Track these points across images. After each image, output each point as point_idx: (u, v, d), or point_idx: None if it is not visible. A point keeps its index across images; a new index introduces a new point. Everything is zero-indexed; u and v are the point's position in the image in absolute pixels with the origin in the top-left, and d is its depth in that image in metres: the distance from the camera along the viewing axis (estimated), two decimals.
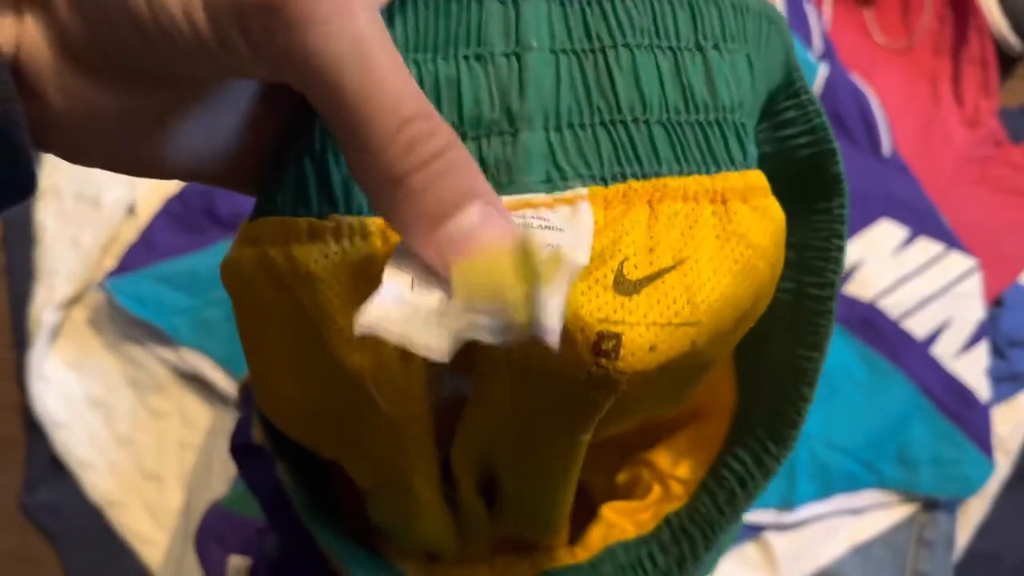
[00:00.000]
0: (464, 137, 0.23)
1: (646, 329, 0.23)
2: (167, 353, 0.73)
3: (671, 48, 0.25)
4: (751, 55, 0.26)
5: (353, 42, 0.18)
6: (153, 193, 0.76)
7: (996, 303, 0.73)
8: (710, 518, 0.31)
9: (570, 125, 0.24)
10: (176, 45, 0.18)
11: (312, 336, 0.23)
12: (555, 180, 0.24)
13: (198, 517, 0.65)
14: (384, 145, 0.19)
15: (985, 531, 0.69)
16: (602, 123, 0.24)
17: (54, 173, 0.78)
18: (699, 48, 0.25)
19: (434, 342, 0.19)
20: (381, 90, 0.18)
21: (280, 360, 0.25)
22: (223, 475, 0.70)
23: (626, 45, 0.24)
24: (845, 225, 0.29)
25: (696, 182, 0.24)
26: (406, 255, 0.20)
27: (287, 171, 0.23)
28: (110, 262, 0.75)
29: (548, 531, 0.32)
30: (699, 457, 0.33)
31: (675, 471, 0.33)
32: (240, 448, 0.40)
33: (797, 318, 0.30)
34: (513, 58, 0.23)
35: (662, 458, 0.33)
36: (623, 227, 0.23)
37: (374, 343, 0.22)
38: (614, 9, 0.24)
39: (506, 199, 0.23)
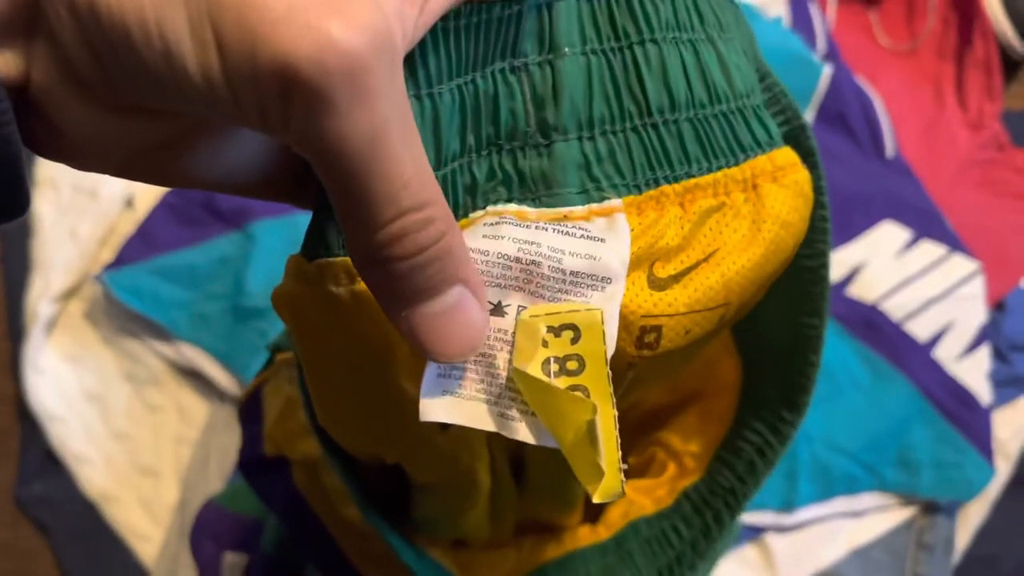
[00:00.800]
0: (501, 149, 0.24)
1: (684, 317, 0.24)
2: (164, 347, 0.73)
3: (690, 41, 0.25)
4: (741, 42, 0.27)
5: (367, 133, 0.18)
6: (151, 186, 0.75)
7: (998, 307, 0.73)
8: (731, 488, 0.33)
9: (603, 132, 0.24)
10: (189, 96, 0.18)
11: (376, 363, 0.24)
12: (590, 191, 0.24)
13: (193, 512, 0.65)
14: (375, 229, 0.19)
15: (984, 535, 0.69)
16: (633, 128, 0.24)
17: (51, 164, 0.77)
18: (710, 39, 0.25)
19: (483, 424, 0.22)
20: (386, 180, 0.18)
21: (342, 384, 0.26)
22: (219, 471, 0.70)
23: (653, 40, 0.24)
24: (826, 196, 0.30)
25: (725, 175, 0.25)
26: None
27: None
28: (107, 255, 0.75)
29: (568, 507, 0.33)
30: (709, 433, 0.34)
31: (688, 447, 0.34)
32: (251, 464, 0.39)
33: (794, 289, 0.30)
34: (547, 66, 0.24)
35: (674, 437, 0.35)
36: (658, 231, 0.24)
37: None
38: (641, 1, 0.24)
39: (544, 212, 0.24)
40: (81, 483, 0.72)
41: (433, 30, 0.22)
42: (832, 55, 0.78)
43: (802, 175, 0.26)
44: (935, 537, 0.67)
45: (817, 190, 0.30)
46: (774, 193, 0.25)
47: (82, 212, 0.76)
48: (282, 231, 0.72)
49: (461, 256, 0.20)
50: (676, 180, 0.24)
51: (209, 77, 0.18)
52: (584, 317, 0.22)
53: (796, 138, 0.29)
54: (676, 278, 0.24)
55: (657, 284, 0.24)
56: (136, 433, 0.73)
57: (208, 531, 0.52)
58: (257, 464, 0.39)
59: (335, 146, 0.18)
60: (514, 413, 0.22)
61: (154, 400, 0.73)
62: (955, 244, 0.72)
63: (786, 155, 0.26)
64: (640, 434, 0.35)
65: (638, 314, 0.23)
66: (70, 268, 0.75)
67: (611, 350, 0.22)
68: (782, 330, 0.31)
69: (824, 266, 0.30)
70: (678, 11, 0.25)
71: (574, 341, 0.22)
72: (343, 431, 0.28)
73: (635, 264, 0.23)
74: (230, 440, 0.71)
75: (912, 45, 0.84)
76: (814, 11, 0.80)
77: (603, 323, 0.22)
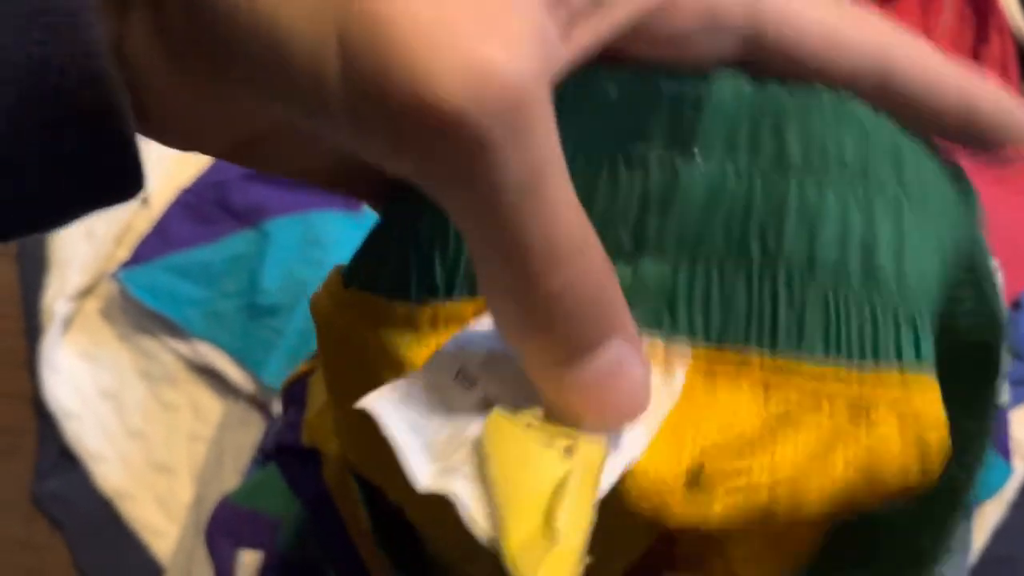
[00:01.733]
0: None
1: (715, 512, 0.19)
2: (179, 345, 0.73)
3: (866, 196, 0.19)
4: (950, 230, 0.21)
5: (523, 179, 0.15)
6: (167, 184, 0.76)
7: (1014, 306, 0.73)
8: None
9: (707, 264, 0.19)
10: (294, 101, 0.15)
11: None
12: (665, 325, 0.19)
13: (208, 510, 0.65)
14: (529, 287, 0.16)
15: (1001, 535, 0.68)
16: (748, 273, 0.19)
17: None
18: (897, 202, 0.19)
19: (416, 473, 0.17)
20: (541, 229, 0.15)
21: (348, 406, 0.24)
22: (234, 468, 0.70)
23: (819, 182, 0.19)
24: (995, 408, 0.24)
25: (838, 377, 0.19)
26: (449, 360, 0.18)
27: (388, 249, 0.21)
28: (123, 253, 0.75)
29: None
30: (778, 560, 0.26)
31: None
32: (284, 451, 0.39)
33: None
34: (669, 166, 0.19)
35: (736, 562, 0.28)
36: (717, 409, 0.19)
37: None
38: (823, 121, 0.19)
39: None
40: (96, 480, 0.73)
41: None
42: None
43: (935, 418, 0.19)
44: (952, 536, 0.66)
45: (991, 404, 0.24)
46: (889, 428, 0.19)
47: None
48: (296, 228, 0.72)
49: (619, 304, 0.17)
50: (774, 354, 0.19)
51: (321, 86, 0.14)
52: (584, 448, 0.17)
53: (988, 347, 0.24)
54: (718, 480, 0.18)
55: (693, 482, 0.18)
56: (151, 431, 0.73)
57: (224, 528, 0.52)
58: (290, 452, 0.39)
59: (484, 195, 0.15)
60: (459, 468, 0.17)
61: (169, 398, 0.74)
62: None
63: (924, 387, 0.20)
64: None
65: (665, 511, 0.18)
66: (86, 267, 0.75)
67: (600, 495, 0.17)
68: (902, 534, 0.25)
69: (968, 488, 0.24)
70: (871, 156, 0.19)
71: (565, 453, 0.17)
72: (356, 453, 0.27)
73: (672, 438, 0.18)
74: (244, 437, 0.71)
75: (928, 41, 0.83)
76: None
77: (601, 467, 0.17)
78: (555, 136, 0.15)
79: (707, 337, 0.19)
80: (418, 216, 0.21)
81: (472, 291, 0.20)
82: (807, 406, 0.19)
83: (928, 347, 0.20)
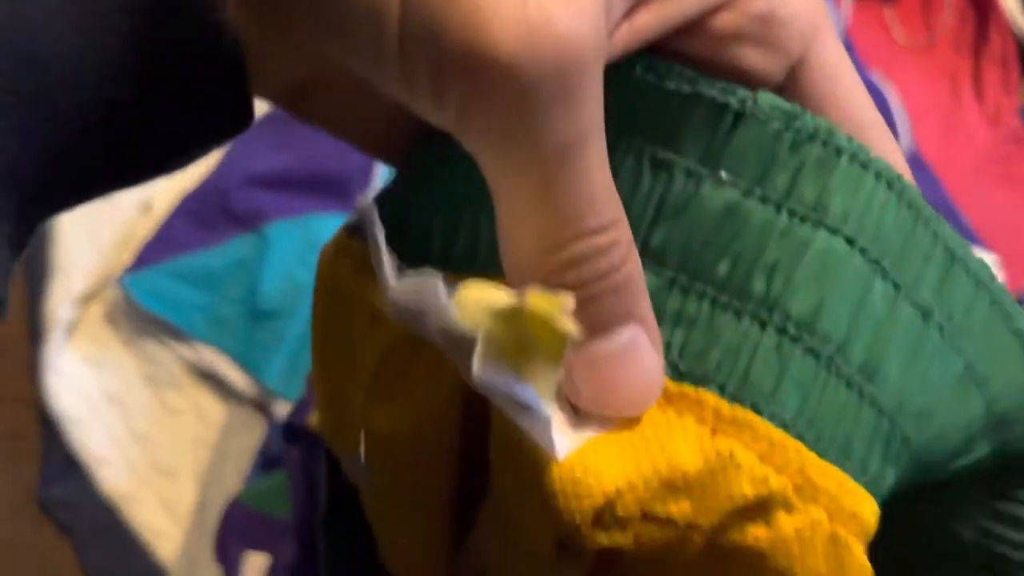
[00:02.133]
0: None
1: (627, 542, 0.17)
2: (183, 349, 0.73)
3: (896, 288, 0.18)
4: (978, 367, 0.19)
5: (565, 141, 0.15)
6: (169, 190, 0.76)
7: (1016, 302, 0.73)
8: None
9: (701, 295, 0.18)
10: (351, 44, 0.15)
11: (350, 362, 0.21)
12: None
13: (212, 513, 0.65)
14: (549, 250, 0.16)
15: None
16: (740, 310, 0.17)
17: None
18: (926, 311, 0.18)
19: (389, 270, 0.16)
20: (572, 195, 0.15)
21: (320, 359, 0.23)
22: (237, 471, 0.71)
23: (852, 240, 0.17)
24: None
25: (796, 451, 0.17)
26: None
27: (388, 209, 0.20)
28: (127, 258, 0.75)
29: None
30: None
31: None
32: (288, 431, 0.39)
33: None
34: (693, 180, 0.17)
35: None
36: (658, 438, 0.17)
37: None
38: (875, 190, 0.18)
39: None
40: (101, 484, 0.73)
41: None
42: (847, 52, 0.78)
43: (867, 527, 0.18)
44: None
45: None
46: (816, 531, 0.17)
47: (101, 216, 0.77)
48: (296, 232, 0.72)
49: (639, 289, 0.17)
50: (733, 401, 0.17)
51: (377, 21, 0.14)
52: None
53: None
54: (637, 517, 0.17)
55: (603, 523, 0.17)
56: (155, 435, 0.74)
57: (234, 530, 0.52)
58: (293, 432, 0.38)
59: (521, 152, 0.15)
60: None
61: (173, 402, 0.74)
62: (972, 239, 0.72)
63: (860, 505, 0.18)
64: None
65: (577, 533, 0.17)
66: (90, 272, 0.76)
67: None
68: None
69: None
70: (914, 251, 0.18)
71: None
72: (323, 419, 0.25)
73: (605, 461, 0.17)
74: (247, 441, 0.71)
75: (928, 40, 0.83)
76: (829, 7, 0.80)
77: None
78: (601, 106, 0.15)
79: (674, 369, 0.18)
80: (425, 182, 0.21)
81: (463, 269, 0.20)
82: (755, 469, 0.17)
83: (889, 476, 0.18)
